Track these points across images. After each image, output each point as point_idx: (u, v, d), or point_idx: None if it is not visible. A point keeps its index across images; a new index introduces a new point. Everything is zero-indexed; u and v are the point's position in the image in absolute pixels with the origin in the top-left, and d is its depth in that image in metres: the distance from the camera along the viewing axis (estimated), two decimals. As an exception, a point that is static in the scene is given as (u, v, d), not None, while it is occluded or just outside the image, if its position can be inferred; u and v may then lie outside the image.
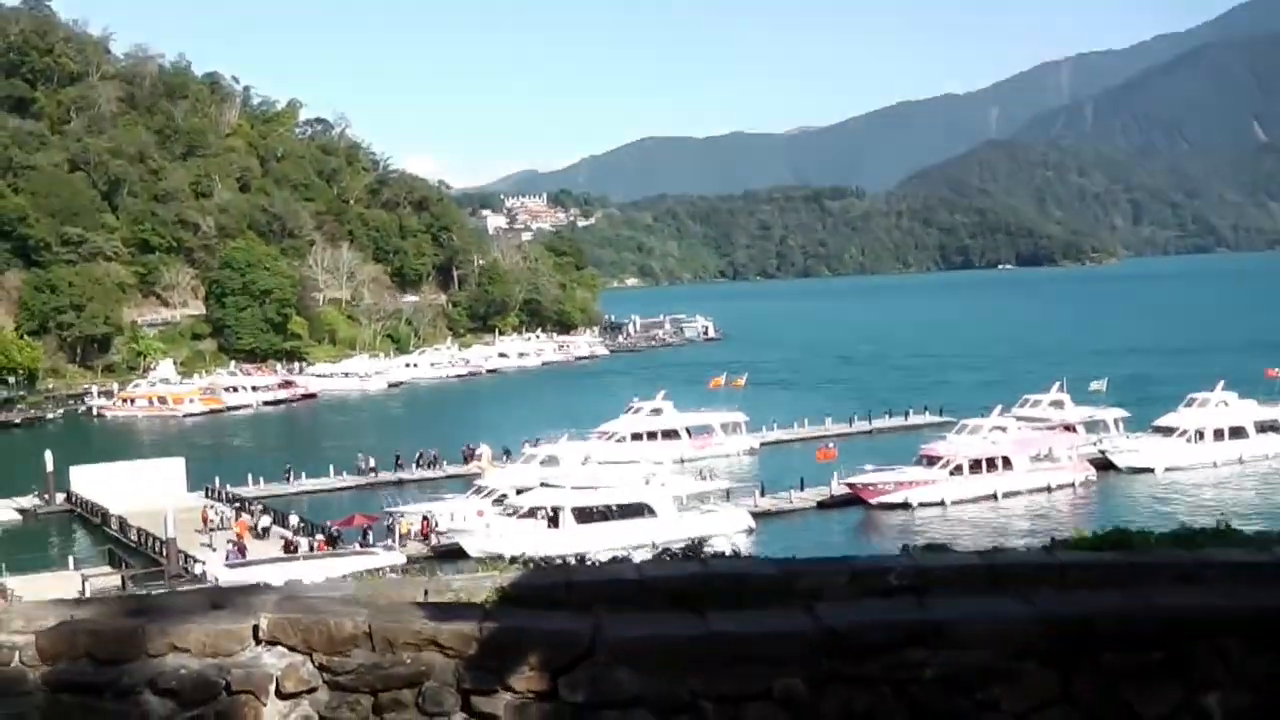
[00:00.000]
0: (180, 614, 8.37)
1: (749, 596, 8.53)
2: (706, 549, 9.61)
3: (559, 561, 9.90)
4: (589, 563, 10.11)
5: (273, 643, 8.10)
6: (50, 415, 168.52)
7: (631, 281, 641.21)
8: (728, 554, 10.00)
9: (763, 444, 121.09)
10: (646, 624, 7.93)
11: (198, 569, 71.76)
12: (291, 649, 8.08)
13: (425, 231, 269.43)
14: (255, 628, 8.13)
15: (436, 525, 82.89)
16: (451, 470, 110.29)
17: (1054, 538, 12.73)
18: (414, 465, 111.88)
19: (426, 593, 8.81)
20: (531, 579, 9.04)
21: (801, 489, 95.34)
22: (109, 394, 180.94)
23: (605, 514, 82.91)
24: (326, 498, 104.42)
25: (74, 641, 8.36)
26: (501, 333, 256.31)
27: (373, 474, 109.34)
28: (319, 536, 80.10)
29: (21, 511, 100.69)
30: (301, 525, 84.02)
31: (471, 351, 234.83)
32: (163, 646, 8.11)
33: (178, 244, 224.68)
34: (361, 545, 76.69)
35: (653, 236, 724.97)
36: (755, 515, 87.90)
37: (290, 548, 78.08)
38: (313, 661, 8.06)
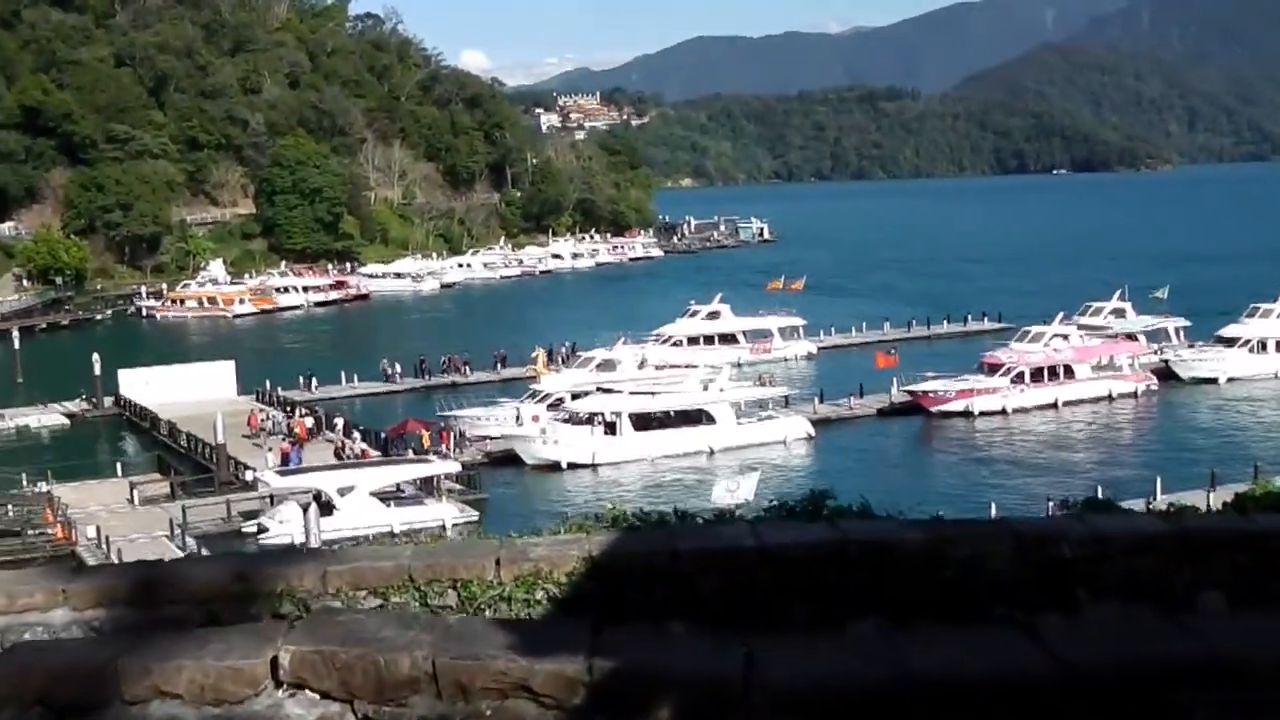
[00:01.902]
0: (169, 646, 5.79)
1: (893, 569, 6.40)
2: (829, 501, 7.47)
3: (655, 518, 7.71)
4: (693, 519, 7.97)
5: (298, 685, 5.64)
6: (99, 316, 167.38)
7: (686, 182, 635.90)
8: (855, 509, 7.75)
9: (820, 348, 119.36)
10: (816, 656, 5.62)
11: (248, 475, 70.22)
12: (324, 695, 5.64)
13: (478, 129, 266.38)
14: (274, 661, 5.67)
15: (461, 435, 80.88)
16: (507, 374, 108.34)
17: (1237, 493, 10.84)
18: (440, 370, 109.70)
19: (499, 564, 6.59)
20: (627, 545, 6.78)
21: (861, 396, 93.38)
22: (158, 294, 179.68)
23: (663, 421, 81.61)
24: (381, 401, 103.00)
25: (23, 683, 5.72)
26: (555, 233, 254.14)
27: (399, 380, 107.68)
28: (359, 445, 78.72)
29: (69, 416, 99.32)
30: (357, 430, 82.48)
31: (525, 252, 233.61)
32: (144, 690, 5.64)
33: (226, 141, 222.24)
34: (416, 452, 74.81)
35: (707, 136, 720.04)
36: (814, 422, 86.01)
37: (340, 453, 76.69)
38: (355, 713, 5.64)
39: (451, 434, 79.65)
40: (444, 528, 63.25)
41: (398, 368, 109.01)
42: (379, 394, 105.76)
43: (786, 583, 6.25)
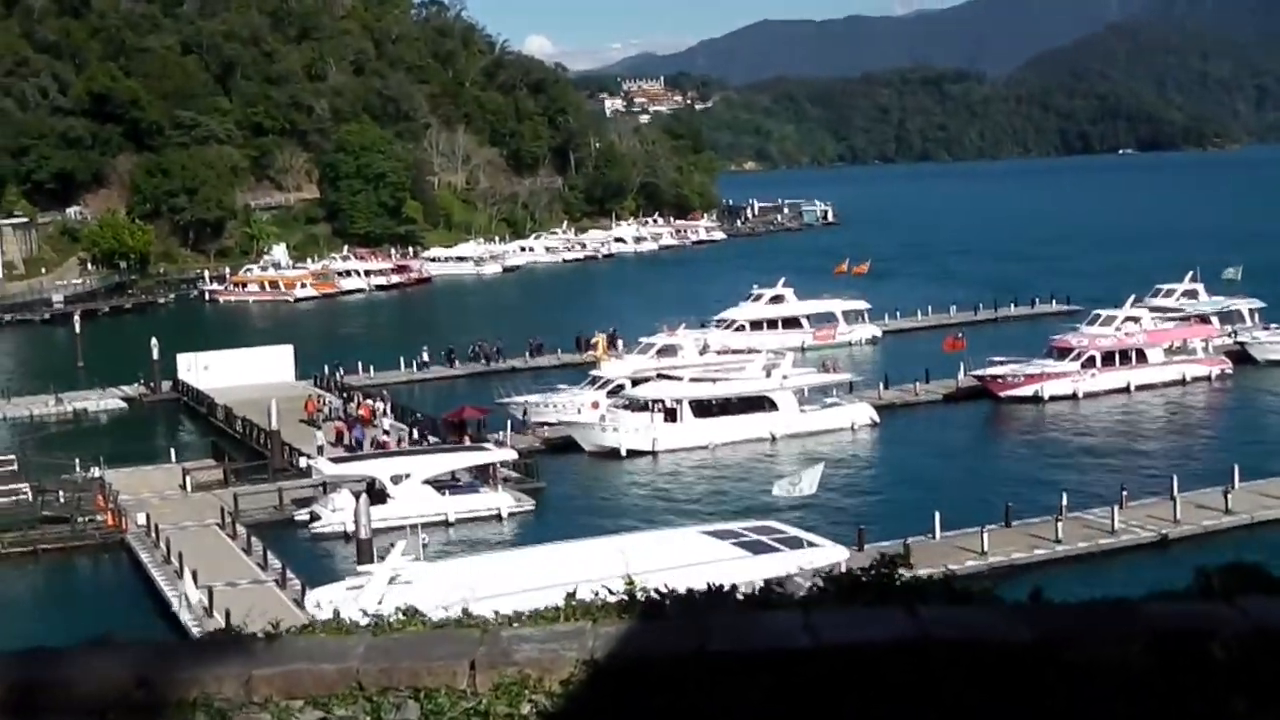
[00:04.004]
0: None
1: (990, 677, 4.90)
2: (901, 570, 5.93)
3: (682, 592, 6.14)
4: (727, 589, 6.29)
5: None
6: (161, 300, 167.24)
7: (749, 165, 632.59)
8: (936, 577, 6.15)
9: (885, 333, 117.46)
10: None
11: (302, 462, 69.41)
12: None
13: (541, 114, 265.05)
14: None
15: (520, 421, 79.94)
16: (565, 359, 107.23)
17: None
18: (469, 358, 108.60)
19: (474, 667, 5.15)
20: (643, 640, 5.24)
21: (927, 381, 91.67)
22: (221, 278, 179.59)
23: (724, 407, 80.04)
24: (439, 386, 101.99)
25: None
26: (618, 217, 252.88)
27: (428, 367, 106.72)
28: (404, 432, 78.17)
29: (127, 400, 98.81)
30: (412, 417, 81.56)
31: (588, 236, 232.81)
32: None
33: (291, 127, 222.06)
34: (473, 438, 73.73)
35: (770, 120, 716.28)
36: (878, 408, 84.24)
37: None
38: None
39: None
40: (500, 516, 62.52)
41: (425, 355, 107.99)
42: (437, 379, 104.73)
43: (849, 693, 4.79)
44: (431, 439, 75.24)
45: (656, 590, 6.03)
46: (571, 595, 5.95)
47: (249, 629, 5.76)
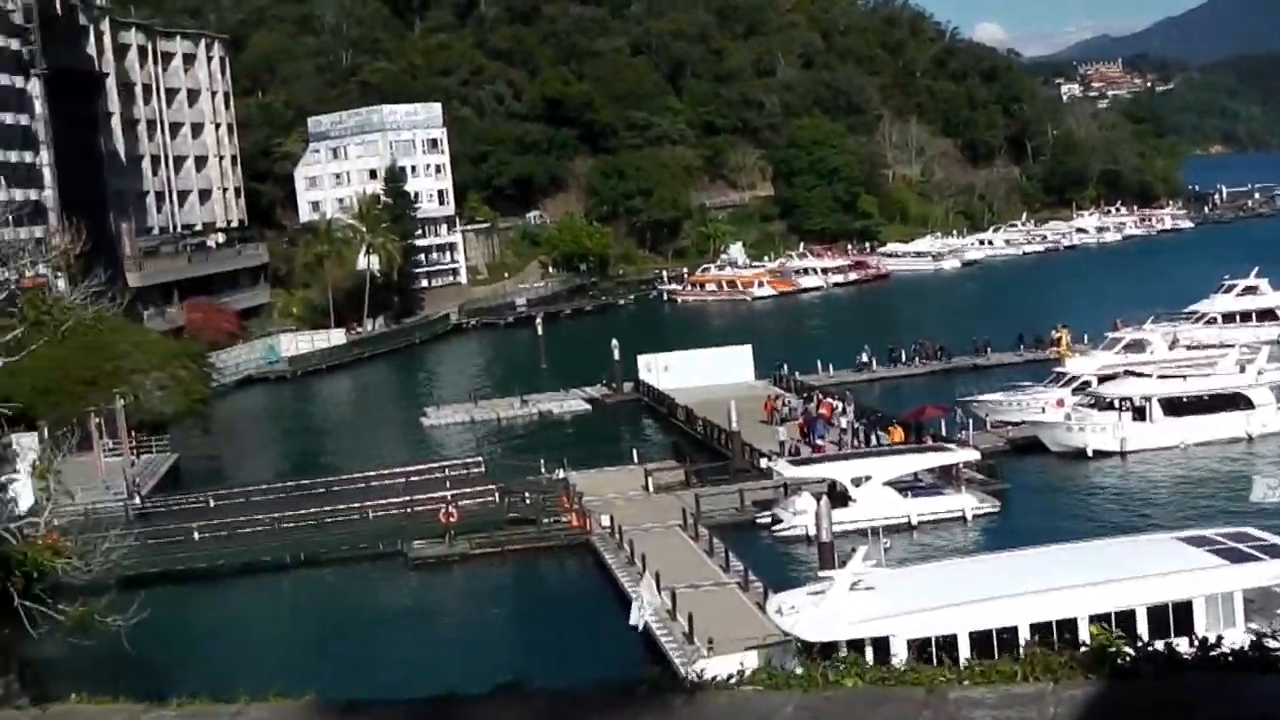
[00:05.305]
0: None
1: None
2: None
3: (1159, 647, 5.12)
4: (1211, 642, 5.36)
5: None
6: (621, 301, 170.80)
7: (1215, 149, 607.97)
8: None
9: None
10: None
11: (763, 464, 68.33)
12: None
13: (995, 102, 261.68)
14: None
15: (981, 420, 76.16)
16: (1028, 355, 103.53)
17: None
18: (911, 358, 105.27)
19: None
20: (1113, 708, 4.40)
21: None
22: (679, 279, 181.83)
23: (1197, 405, 75.28)
24: (897, 385, 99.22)
25: None
26: (1078, 206, 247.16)
27: (868, 368, 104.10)
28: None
29: (590, 401, 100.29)
30: (873, 415, 79.02)
31: (1048, 227, 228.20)
32: None
33: (743, 124, 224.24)
34: (935, 439, 70.57)
35: (1236, 100, 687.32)
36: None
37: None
38: None
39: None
40: (963, 518, 60.43)
41: (864, 356, 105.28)
42: (895, 378, 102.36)
43: None
44: (882, 439, 73.34)
45: (1129, 643, 5.31)
46: (1031, 643, 5.50)
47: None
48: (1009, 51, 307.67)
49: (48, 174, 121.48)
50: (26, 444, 49.22)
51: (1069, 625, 34.55)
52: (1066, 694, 4.70)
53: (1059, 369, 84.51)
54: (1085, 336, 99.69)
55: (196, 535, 63.30)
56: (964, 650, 34.93)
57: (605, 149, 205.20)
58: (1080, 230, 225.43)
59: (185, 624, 50.78)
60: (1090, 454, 72.21)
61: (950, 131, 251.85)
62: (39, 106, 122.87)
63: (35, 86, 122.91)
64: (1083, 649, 5.28)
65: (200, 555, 61.50)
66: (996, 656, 5.35)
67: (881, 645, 35.50)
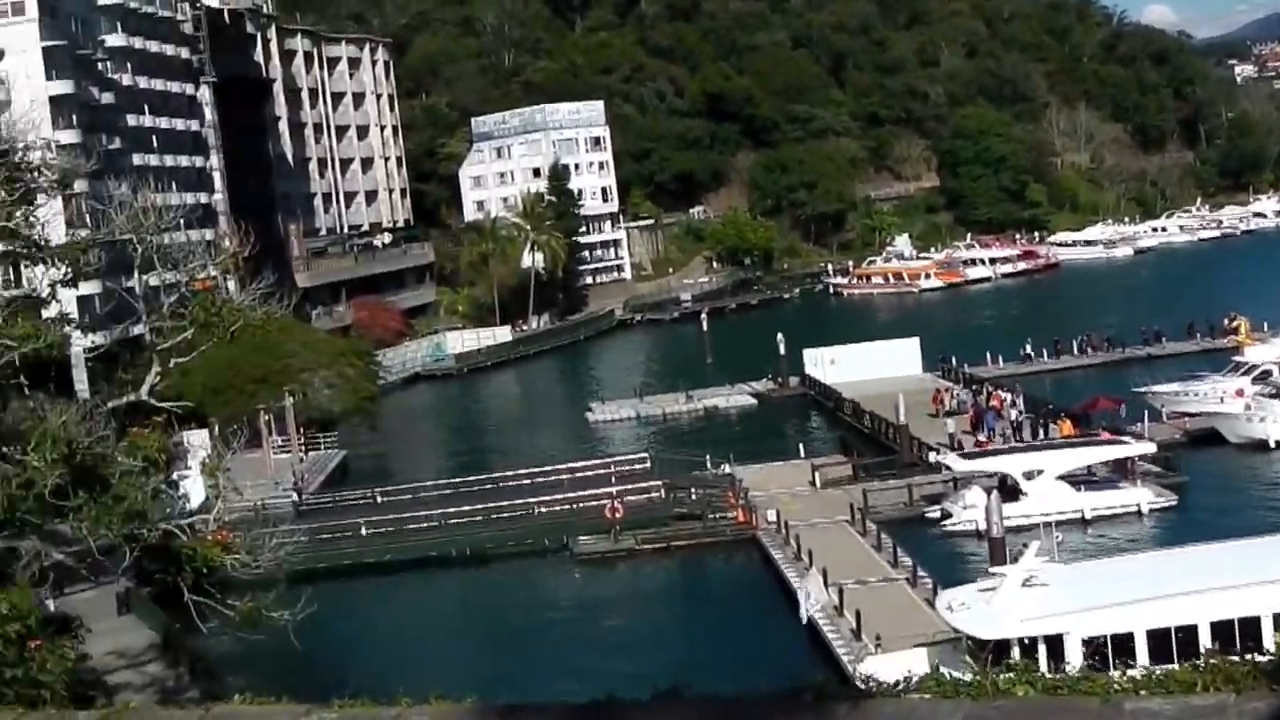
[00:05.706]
0: None
1: None
2: None
3: None
4: None
5: None
6: (786, 295, 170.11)
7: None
8: None
9: None
10: None
11: (932, 458, 67.29)
12: None
13: (1166, 86, 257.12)
14: None
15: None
16: (1205, 344, 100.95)
17: None
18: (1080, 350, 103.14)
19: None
20: None
21: None
22: (844, 271, 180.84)
23: (1386, 394, 72.20)
24: (1068, 376, 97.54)
25: None
26: (1256, 190, 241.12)
27: (1030, 360, 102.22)
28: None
29: (756, 395, 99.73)
30: (1044, 408, 77.62)
31: (1224, 212, 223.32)
32: None
33: (906, 115, 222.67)
34: (1110, 431, 68.97)
35: None
36: None
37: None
38: None
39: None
40: (1139, 512, 59.72)
41: (1027, 349, 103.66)
42: (1067, 369, 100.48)
43: None
44: (1052, 431, 71.64)
45: None
46: (1211, 648, 5.13)
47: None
48: (1179, 33, 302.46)
49: (218, 178, 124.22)
50: (197, 441, 50.28)
51: (1251, 624, 33.42)
52: (1249, 706, 4.48)
53: (1238, 357, 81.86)
54: (1265, 324, 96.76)
55: (364, 531, 64.04)
56: (1141, 649, 34.08)
57: (767, 143, 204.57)
58: (1258, 215, 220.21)
59: (351, 619, 51.33)
60: (1272, 445, 69.76)
61: (1120, 117, 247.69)
62: (209, 113, 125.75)
63: (205, 94, 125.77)
64: (1267, 657, 5.08)
65: (367, 551, 62.21)
66: (1175, 656, 5.03)
67: (1055, 643, 34.74)
